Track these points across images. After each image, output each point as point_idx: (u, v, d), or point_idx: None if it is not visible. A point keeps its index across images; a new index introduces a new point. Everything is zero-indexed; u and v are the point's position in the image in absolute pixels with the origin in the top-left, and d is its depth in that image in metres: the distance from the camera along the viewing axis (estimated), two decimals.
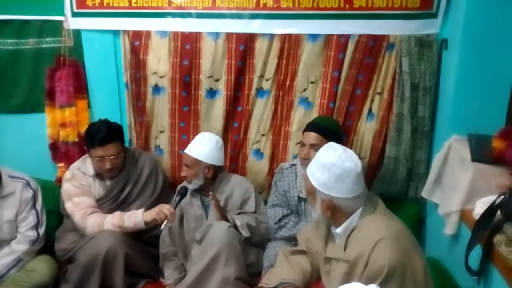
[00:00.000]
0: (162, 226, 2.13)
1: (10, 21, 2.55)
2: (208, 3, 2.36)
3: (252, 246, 2.25)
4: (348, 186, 1.52)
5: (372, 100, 2.42)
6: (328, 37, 2.35)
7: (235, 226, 2.15)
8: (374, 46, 2.32)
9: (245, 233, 2.15)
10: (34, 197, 2.29)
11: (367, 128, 2.45)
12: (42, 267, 2.23)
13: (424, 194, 2.27)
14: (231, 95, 2.49)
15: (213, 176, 2.29)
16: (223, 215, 2.18)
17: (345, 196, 1.52)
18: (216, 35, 2.41)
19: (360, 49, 2.32)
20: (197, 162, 2.23)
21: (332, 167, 1.51)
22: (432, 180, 2.21)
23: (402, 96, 2.29)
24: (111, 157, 2.29)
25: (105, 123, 2.33)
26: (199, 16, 2.39)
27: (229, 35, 2.41)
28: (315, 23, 2.31)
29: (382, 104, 2.40)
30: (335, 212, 1.55)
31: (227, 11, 2.36)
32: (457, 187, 1.95)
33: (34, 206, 2.29)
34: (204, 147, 2.25)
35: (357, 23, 2.28)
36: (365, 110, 2.44)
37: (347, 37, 2.32)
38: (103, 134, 2.26)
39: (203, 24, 2.40)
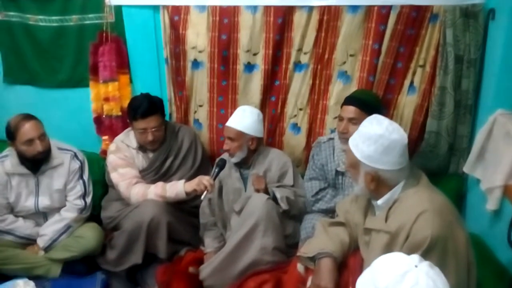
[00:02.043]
0: (202, 197, 2.20)
1: None
2: None
3: (289, 219, 2.28)
4: (394, 159, 1.51)
5: (414, 73, 2.37)
6: (368, 8, 2.30)
7: (274, 198, 2.19)
8: (417, 17, 2.26)
9: (284, 205, 2.19)
10: (81, 168, 2.40)
11: (408, 102, 2.41)
12: (90, 234, 2.35)
13: (466, 169, 2.23)
14: (269, 69, 2.50)
15: (254, 149, 2.33)
16: (265, 190, 2.23)
17: (391, 168, 1.52)
18: (254, 8, 2.40)
19: (402, 21, 2.26)
20: (241, 134, 2.28)
21: (379, 138, 1.50)
22: (475, 155, 2.16)
23: (446, 68, 2.23)
24: (153, 129, 2.36)
25: (147, 96, 2.40)
26: None
27: (267, 8, 2.39)
28: None
29: (424, 77, 2.35)
30: (379, 185, 1.55)
31: None
32: (501, 162, 1.90)
33: (81, 176, 2.40)
34: (247, 119, 2.29)
35: None
36: (406, 83, 2.39)
37: (388, 8, 2.26)
38: (145, 107, 2.33)
39: None
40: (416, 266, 1.07)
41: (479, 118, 2.30)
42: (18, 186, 2.31)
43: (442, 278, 1.07)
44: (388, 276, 1.06)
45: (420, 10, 2.25)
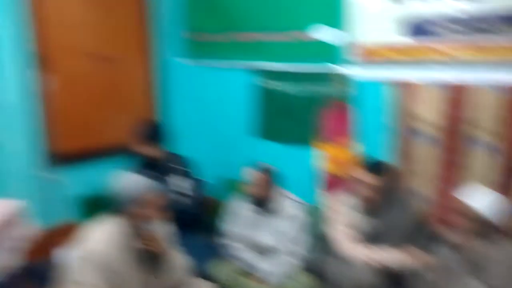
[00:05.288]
0: None
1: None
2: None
3: None
4: None
5: None
6: None
7: None
8: None
9: None
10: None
11: None
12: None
13: None
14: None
15: None
16: None
17: None
18: (494, 87, 2.27)
19: None
20: None
21: None
22: None
23: None
24: (367, 185, 2.48)
25: (383, 161, 2.59)
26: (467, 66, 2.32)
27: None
28: None
29: None
30: None
31: None
32: None
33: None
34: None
35: None
36: None
37: None
38: (372, 163, 2.54)
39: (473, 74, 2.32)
40: None
41: None
42: None
43: None
44: None
45: None
